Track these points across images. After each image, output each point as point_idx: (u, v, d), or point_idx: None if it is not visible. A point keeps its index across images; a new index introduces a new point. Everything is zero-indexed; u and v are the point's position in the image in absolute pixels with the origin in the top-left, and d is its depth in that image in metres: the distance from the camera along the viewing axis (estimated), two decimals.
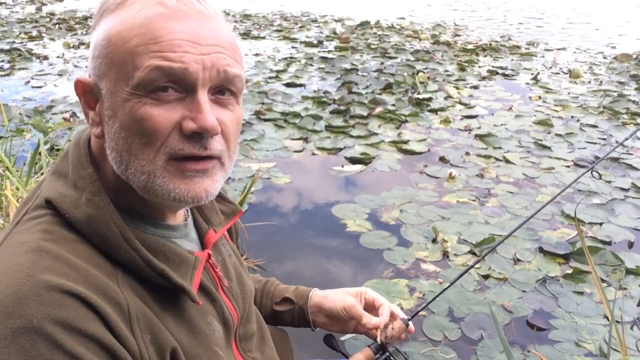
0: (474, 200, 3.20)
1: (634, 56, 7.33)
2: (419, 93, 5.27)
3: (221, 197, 0.91)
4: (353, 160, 3.75)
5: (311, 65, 6.44)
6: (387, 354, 1.02)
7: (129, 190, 0.70)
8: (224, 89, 0.69)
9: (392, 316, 1.04)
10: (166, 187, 0.67)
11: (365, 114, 4.65)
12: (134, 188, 0.69)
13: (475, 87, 5.68)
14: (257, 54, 6.97)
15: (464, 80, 5.95)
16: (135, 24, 0.65)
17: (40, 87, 5.38)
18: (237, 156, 0.76)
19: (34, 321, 0.56)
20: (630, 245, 2.78)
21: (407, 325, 1.04)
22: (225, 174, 0.73)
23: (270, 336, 1.00)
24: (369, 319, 1.02)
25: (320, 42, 7.85)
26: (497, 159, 3.82)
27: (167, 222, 0.77)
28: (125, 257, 0.67)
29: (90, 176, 0.69)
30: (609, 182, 3.48)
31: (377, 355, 1.02)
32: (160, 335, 0.68)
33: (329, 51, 7.29)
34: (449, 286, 1.25)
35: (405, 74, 5.92)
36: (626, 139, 1.96)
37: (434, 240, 2.76)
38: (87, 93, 0.72)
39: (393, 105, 4.92)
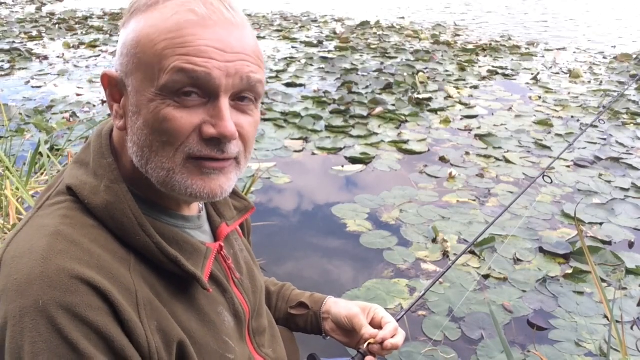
0: (474, 200, 3.20)
1: (634, 56, 7.33)
2: (419, 93, 5.27)
3: (234, 193, 0.94)
4: (353, 160, 3.75)
5: (311, 65, 6.44)
6: None
7: (146, 182, 0.73)
8: (245, 95, 0.72)
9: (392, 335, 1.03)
10: (184, 183, 0.70)
11: (365, 114, 4.65)
12: (152, 181, 0.72)
13: (475, 87, 5.68)
14: None
15: (464, 80, 5.95)
16: (165, 28, 0.67)
17: (40, 87, 5.38)
18: (251, 155, 0.79)
19: (40, 302, 0.60)
20: (631, 245, 2.78)
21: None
22: (240, 172, 0.76)
23: (280, 336, 1.01)
24: (367, 330, 1.03)
25: (320, 42, 7.85)
26: (497, 159, 3.82)
27: (182, 213, 0.80)
28: (140, 244, 0.70)
29: (109, 165, 0.72)
30: (609, 182, 3.48)
31: None
32: (167, 324, 0.70)
33: (329, 51, 7.29)
34: (434, 281, 1.26)
35: (405, 74, 5.92)
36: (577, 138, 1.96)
37: (434, 240, 2.76)
38: (113, 86, 0.74)
39: (393, 105, 4.92)
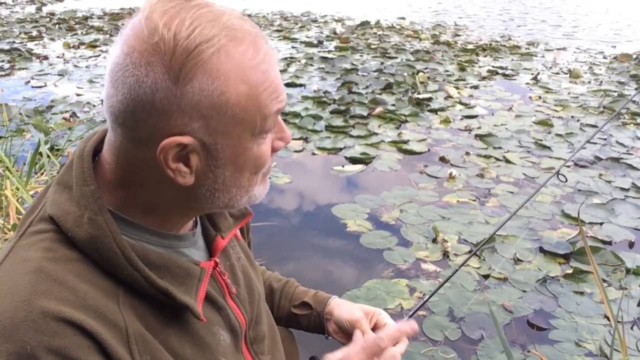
0: (474, 200, 3.20)
1: (634, 56, 7.33)
2: (419, 93, 5.27)
3: None
4: (353, 160, 3.75)
5: (311, 65, 6.44)
6: None
7: (135, 204, 0.71)
8: None
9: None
10: (260, 194, 0.76)
11: (365, 114, 4.65)
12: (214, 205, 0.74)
13: (476, 87, 5.68)
14: None
15: (464, 80, 5.95)
16: (257, 81, 0.67)
17: (40, 87, 5.38)
18: None
19: (28, 348, 0.58)
20: (631, 245, 2.78)
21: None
22: None
23: (280, 339, 1.00)
24: (369, 340, 0.98)
25: (320, 42, 7.85)
26: (497, 159, 3.82)
27: (175, 233, 0.77)
28: (128, 277, 0.67)
29: (92, 194, 0.68)
30: (609, 182, 3.48)
31: None
32: (160, 356, 0.68)
33: (329, 51, 7.29)
34: (445, 281, 1.26)
35: (405, 74, 5.92)
36: None
37: (434, 240, 2.76)
38: (180, 150, 0.66)
39: (393, 105, 4.92)
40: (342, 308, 1.06)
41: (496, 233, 2.79)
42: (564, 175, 1.84)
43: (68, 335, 0.60)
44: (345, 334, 1.05)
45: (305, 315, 1.09)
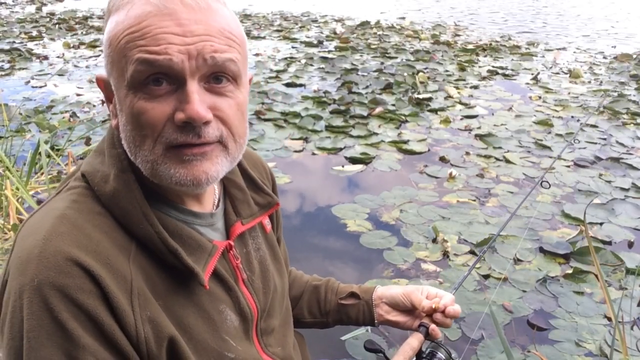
0: (474, 200, 3.20)
1: (634, 56, 7.33)
2: (419, 93, 5.27)
3: (259, 188, 0.93)
4: (353, 160, 3.75)
5: (311, 65, 6.44)
6: (436, 342, 1.05)
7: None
8: (219, 75, 0.70)
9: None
10: (168, 173, 0.70)
11: (365, 114, 4.65)
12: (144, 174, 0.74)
13: (476, 87, 5.68)
14: (257, 54, 6.97)
15: (464, 80, 5.95)
16: (126, 24, 0.68)
17: (40, 87, 5.38)
18: (247, 139, 0.78)
19: (35, 281, 0.63)
20: (630, 245, 2.78)
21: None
22: (231, 158, 0.75)
23: (292, 333, 1.01)
24: (427, 302, 1.06)
25: (320, 42, 7.85)
26: (497, 159, 3.82)
27: (191, 209, 0.80)
28: (142, 233, 0.71)
29: (118, 155, 0.75)
30: (609, 182, 3.48)
31: (426, 344, 1.04)
32: (160, 316, 0.70)
33: (329, 51, 7.29)
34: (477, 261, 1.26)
35: (405, 74, 5.92)
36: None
37: (434, 240, 2.76)
38: (106, 88, 0.76)
39: (393, 105, 4.92)
40: (392, 288, 1.13)
41: (496, 234, 2.80)
42: (547, 182, 1.87)
43: (73, 275, 0.64)
44: (400, 312, 1.11)
45: (354, 305, 1.13)
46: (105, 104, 4.90)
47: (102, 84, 0.77)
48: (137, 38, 0.67)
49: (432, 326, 1.05)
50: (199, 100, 0.68)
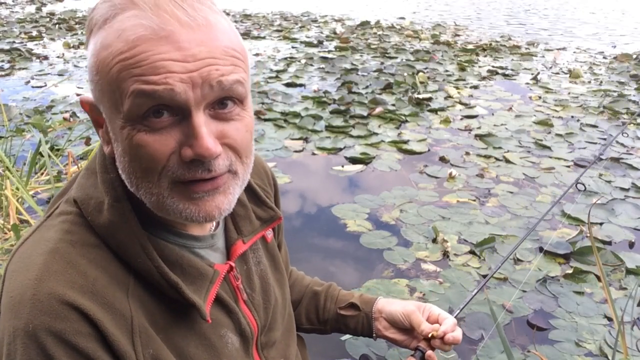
0: (474, 200, 3.20)
1: (634, 56, 7.33)
2: (419, 93, 5.27)
3: (261, 202, 0.88)
4: (353, 160, 3.75)
5: (311, 65, 6.44)
6: None
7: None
8: (224, 100, 0.64)
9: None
10: (176, 208, 0.65)
11: (365, 114, 4.65)
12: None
13: (475, 87, 5.68)
14: (257, 54, 6.97)
15: (464, 80, 5.95)
16: (117, 49, 0.60)
17: (40, 87, 5.38)
18: (252, 159, 0.72)
19: (30, 326, 0.59)
20: (631, 245, 2.78)
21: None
22: (240, 182, 0.69)
23: (295, 343, 0.99)
24: (426, 325, 1.00)
25: (320, 42, 7.85)
26: (497, 159, 3.82)
27: (191, 233, 0.75)
28: (141, 267, 0.67)
29: (112, 181, 0.69)
30: (609, 182, 3.48)
31: None
32: (163, 352, 0.68)
33: (329, 51, 7.29)
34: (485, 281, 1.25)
35: (405, 74, 5.92)
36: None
37: (434, 240, 2.76)
38: (93, 111, 0.69)
39: (393, 105, 4.92)
40: (393, 303, 1.06)
41: (496, 234, 2.80)
42: (582, 184, 1.78)
43: (70, 319, 0.60)
44: (398, 329, 1.06)
45: (353, 317, 1.08)
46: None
47: (88, 107, 0.69)
48: (131, 66, 0.59)
49: (429, 352, 1.00)
50: (208, 133, 0.61)
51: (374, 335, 1.08)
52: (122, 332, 0.64)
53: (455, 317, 1.05)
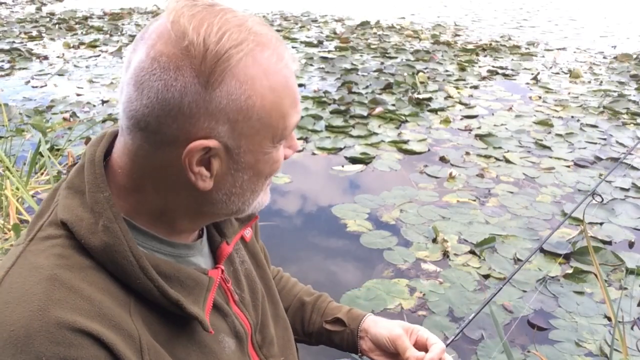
0: (474, 200, 3.20)
1: (634, 56, 7.33)
2: (419, 93, 5.27)
3: None
4: (353, 160, 3.76)
5: (311, 65, 6.45)
6: None
7: (145, 211, 0.70)
8: None
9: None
10: (263, 202, 0.78)
11: (365, 114, 4.65)
12: (208, 212, 0.74)
13: (476, 87, 5.68)
14: None
15: (464, 80, 5.95)
16: (283, 92, 0.68)
17: (40, 87, 5.38)
18: None
19: (43, 359, 0.57)
20: (631, 245, 2.78)
21: None
22: None
23: (294, 342, 0.98)
24: (412, 352, 0.95)
25: (320, 42, 7.85)
26: (497, 159, 3.83)
27: (184, 242, 0.76)
28: (141, 287, 0.67)
29: (107, 200, 0.67)
30: (609, 182, 3.48)
31: None
32: None
33: (329, 51, 7.29)
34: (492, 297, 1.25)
35: (405, 74, 5.93)
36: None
37: (434, 240, 2.76)
38: (204, 154, 0.67)
39: (393, 105, 4.92)
40: (379, 325, 1.01)
41: (496, 234, 2.80)
42: (600, 195, 1.68)
43: (85, 346, 0.59)
44: (383, 351, 1.01)
45: (338, 332, 1.05)
46: (106, 103, 4.92)
47: (203, 149, 0.66)
48: (293, 102, 0.70)
49: None
50: None
51: (359, 354, 1.04)
52: (133, 352, 0.63)
53: (451, 341, 1.01)
